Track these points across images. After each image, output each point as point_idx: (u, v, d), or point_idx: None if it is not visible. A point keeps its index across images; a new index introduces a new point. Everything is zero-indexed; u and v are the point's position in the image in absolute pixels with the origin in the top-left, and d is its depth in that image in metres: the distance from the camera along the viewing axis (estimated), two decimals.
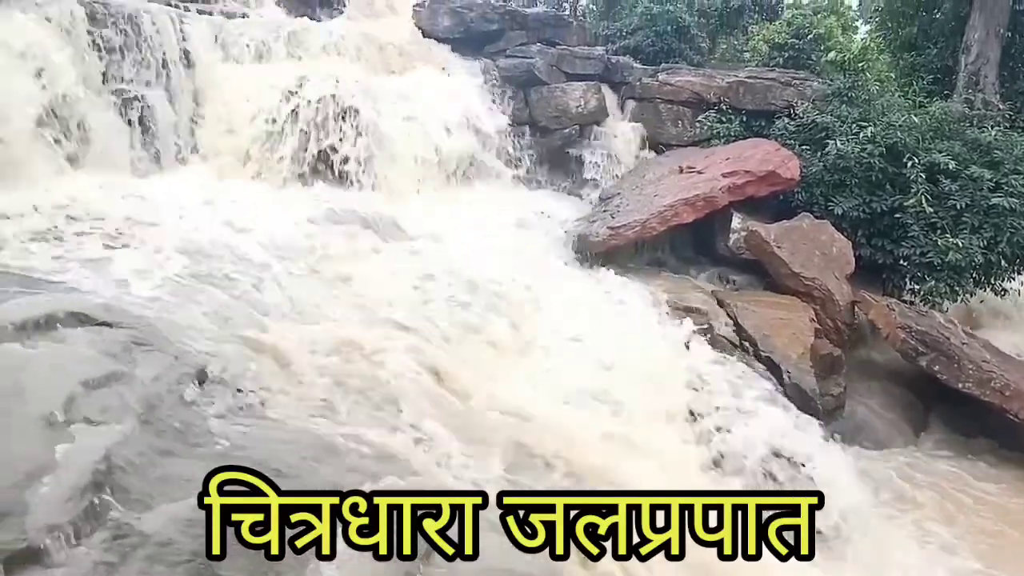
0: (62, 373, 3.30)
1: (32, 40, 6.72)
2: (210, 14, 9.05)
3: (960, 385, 6.72)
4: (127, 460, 2.86)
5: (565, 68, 10.29)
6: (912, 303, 8.09)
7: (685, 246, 8.58)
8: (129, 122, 7.25)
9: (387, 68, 9.51)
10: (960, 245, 7.87)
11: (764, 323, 6.82)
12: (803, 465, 5.08)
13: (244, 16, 9.57)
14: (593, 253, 7.82)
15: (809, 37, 10.96)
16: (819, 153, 8.83)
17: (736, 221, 8.08)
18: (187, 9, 8.91)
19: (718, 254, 8.31)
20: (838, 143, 8.56)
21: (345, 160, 8.02)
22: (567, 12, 13.66)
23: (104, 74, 7.30)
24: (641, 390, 5.33)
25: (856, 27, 15.67)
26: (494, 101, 9.78)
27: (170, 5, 8.81)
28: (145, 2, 8.58)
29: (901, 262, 8.37)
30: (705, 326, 6.61)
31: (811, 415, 5.90)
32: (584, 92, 10.04)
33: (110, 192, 6.26)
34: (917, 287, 8.33)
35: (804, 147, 9.00)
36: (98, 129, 6.96)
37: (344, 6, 11.72)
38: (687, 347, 6.38)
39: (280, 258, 5.55)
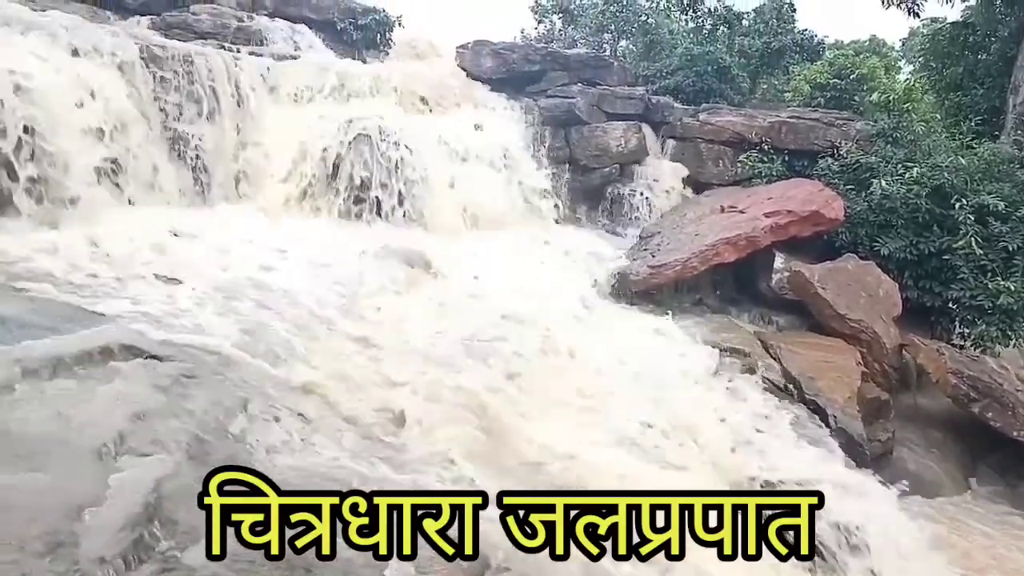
0: (115, 405, 3.37)
1: (92, 79, 7.00)
2: (261, 56, 9.35)
3: (1015, 433, 6.49)
4: (175, 492, 2.89)
5: (606, 108, 10.37)
6: (962, 347, 7.88)
7: (726, 285, 8.49)
8: (181, 159, 7.49)
9: (431, 108, 9.69)
10: (1012, 288, 7.68)
11: (809, 365, 6.69)
12: (856, 530, 4.89)
13: (293, 58, 9.86)
14: (633, 291, 7.79)
15: (851, 77, 10.92)
16: (863, 193, 8.73)
17: (779, 261, 7.99)
18: (239, 51, 9.22)
19: (760, 294, 8.22)
20: (883, 183, 8.46)
21: (387, 197, 8.14)
22: (607, 53, 13.79)
23: (159, 112, 7.56)
24: (683, 434, 5.24)
25: (899, 67, 15.59)
26: (535, 140, 9.90)
27: (223, 48, 9.15)
28: (200, 45, 8.94)
29: (950, 305, 8.18)
30: (748, 367, 6.51)
31: (858, 461, 5.76)
32: (625, 131, 10.10)
33: (161, 227, 6.42)
34: (967, 331, 8.12)
35: (848, 187, 8.91)
36: (152, 165, 7.19)
37: (389, 48, 12.01)
38: (729, 388, 6.29)
39: (323, 293, 5.63)
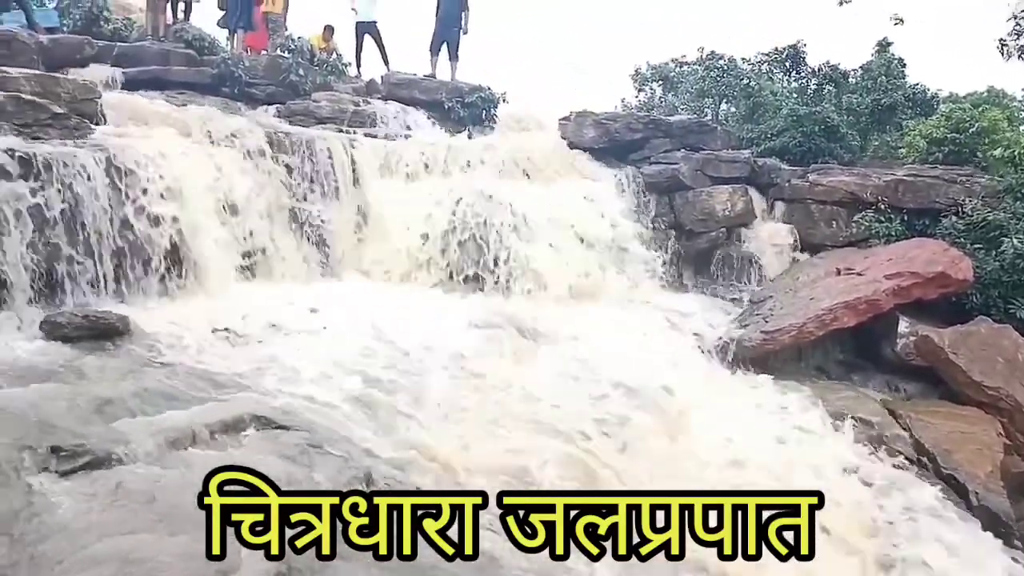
0: None
1: (224, 164, 7.59)
2: (375, 137, 9.88)
3: None
4: (304, 564, 2.97)
5: (710, 172, 10.30)
6: None
7: (846, 351, 8.11)
8: (304, 236, 7.93)
9: (535, 179, 9.91)
10: None
11: (944, 437, 6.25)
12: None
13: (405, 137, 10.36)
14: (746, 358, 7.56)
15: (971, 131, 10.42)
16: (994, 253, 8.22)
17: (903, 325, 7.59)
18: (356, 133, 9.78)
19: (884, 360, 7.79)
20: (1015, 241, 7.96)
21: (494, 268, 8.32)
22: (709, 118, 13.77)
23: (284, 193, 8.08)
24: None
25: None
26: (639, 207, 9.91)
27: (341, 131, 9.73)
28: (320, 129, 9.55)
29: None
30: (876, 439, 6.15)
31: (1004, 541, 5.28)
32: (730, 195, 9.98)
33: (284, 300, 6.79)
34: None
35: (976, 246, 8.42)
36: (276, 243, 7.65)
37: (495, 123, 12.43)
38: (855, 460, 5.95)
39: (437, 363, 5.76)
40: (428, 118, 11.82)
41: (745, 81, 13.77)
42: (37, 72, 7.36)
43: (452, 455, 4.42)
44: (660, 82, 16.67)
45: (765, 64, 14.95)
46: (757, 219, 10.19)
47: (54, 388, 4.05)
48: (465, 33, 13.19)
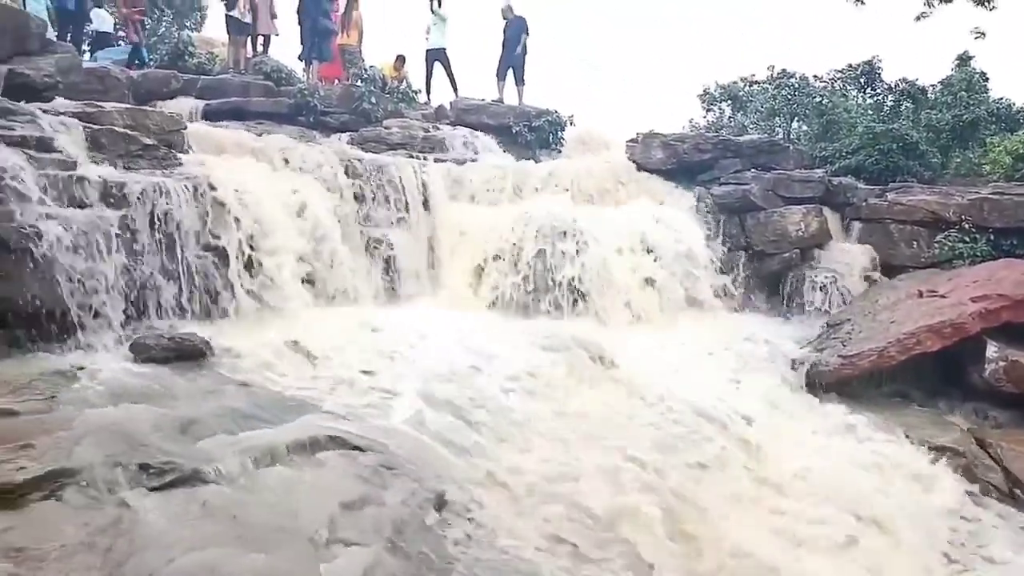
0: (324, 495, 3.62)
1: (300, 191, 7.84)
2: (444, 161, 10.06)
3: None
4: None
5: (782, 192, 10.10)
6: None
7: (928, 377, 7.76)
8: (376, 259, 8.10)
9: (603, 202, 9.92)
10: None
11: None
12: None
13: (473, 161, 10.52)
14: (823, 383, 7.33)
15: None
16: None
17: (992, 350, 7.23)
18: (425, 158, 9.98)
19: (970, 386, 7.43)
20: None
21: (563, 290, 8.32)
22: (780, 137, 13.52)
23: (356, 217, 8.28)
24: (894, 541, 4.77)
25: None
26: (709, 228, 9.78)
27: (412, 156, 9.95)
28: (392, 155, 9.78)
29: None
30: (964, 469, 5.87)
31: None
32: (804, 215, 9.75)
33: (357, 323, 6.93)
34: None
35: None
36: (350, 267, 7.83)
37: (562, 146, 12.51)
38: (940, 491, 5.68)
39: (509, 386, 5.78)
40: (496, 142, 11.99)
41: (818, 99, 13.47)
42: (128, 106, 7.79)
43: (523, 481, 4.41)
44: (729, 101, 16.46)
45: (838, 81, 14.62)
46: (832, 240, 9.91)
47: (144, 408, 4.22)
48: (524, 53, 13.43)
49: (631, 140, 11.26)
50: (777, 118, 14.70)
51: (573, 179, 10.08)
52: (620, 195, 10.14)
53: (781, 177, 10.20)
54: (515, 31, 13.44)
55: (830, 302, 9.34)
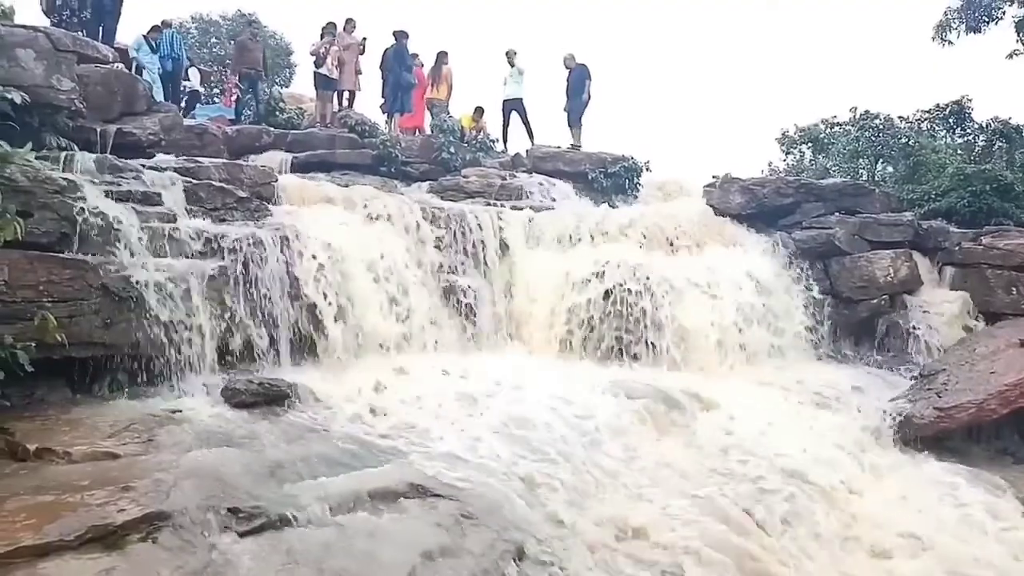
0: (405, 543, 3.65)
1: (382, 239, 8.06)
2: (521, 209, 10.18)
3: None
4: None
5: (868, 236, 9.79)
6: None
7: None
8: (455, 307, 8.22)
9: (682, 247, 9.80)
10: None
11: None
12: None
13: (550, 208, 10.61)
14: (918, 437, 6.97)
15: None
16: None
17: None
18: (503, 206, 10.14)
19: None
20: None
21: (641, 338, 8.23)
22: (865, 179, 13.18)
23: (436, 265, 8.45)
24: None
25: None
26: (792, 274, 9.52)
27: (490, 204, 10.12)
28: (470, 203, 9.98)
29: None
30: None
31: None
32: (892, 260, 9.42)
33: (437, 370, 7.02)
34: None
35: None
36: (429, 312, 7.97)
37: (638, 192, 12.51)
38: None
39: (588, 435, 5.72)
40: (572, 189, 12.09)
41: (904, 140, 13.12)
42: (224, 161, 8.23)
43: (604, 533, 4.35)
44: (809, 144, 16.19)
45: (925, 122, 14.20)
46: (924, 285, 9.53)
47: (234, 452, 4.38)
48: (588, 100, 13.74)
49: (708, 185, 11.15)
50: (861, 160, 14.38)
51: (650, 225, 10.02)
52: (698, 241, 10.00)
53: (867, 221, 9.90)
54: (578, 78, 13.79)
55: (923, 351, 8.94)
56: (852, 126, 14.89)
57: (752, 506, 5.04)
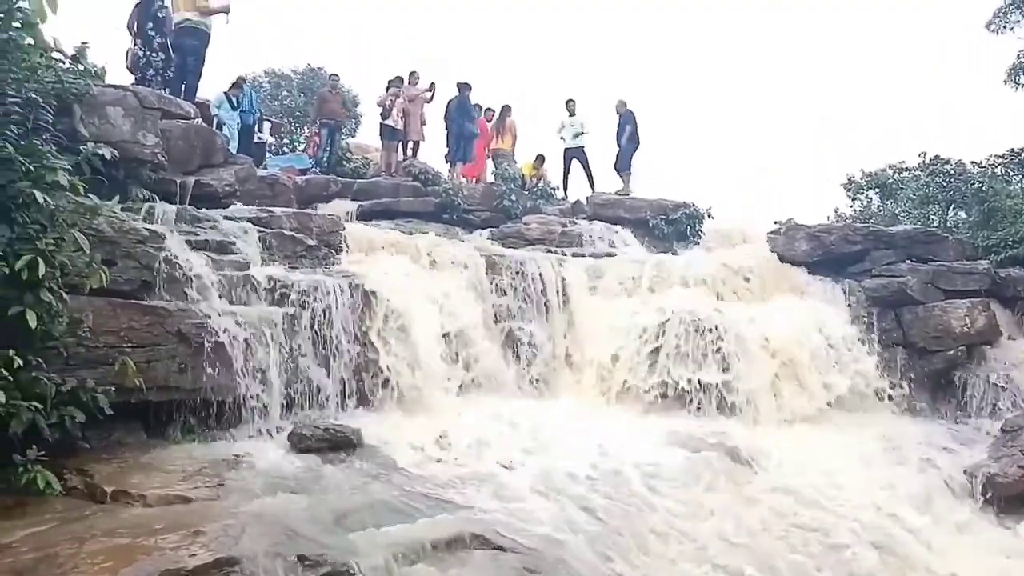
0: None
1: (445, 287, 8.17)
2: (583, 256, 10.21)
3: None
4: None
5: (942, 285, 9.46)
6: None
7: None
8: (515, 354, 8.24)
9: (745, 295, 9.66)
10: None
11: None
12: None
13: (610, 255, 10.61)
14: (1003, 497, 6.62)
15: None
16: None
17: None
18: (564, 253, 10.19)
19: None
20: None
21: (703, 388, 8.07)
22: (936, 225, 12.79)
23: (497, 311, 8.51)
24: None
25: None
26: (861, 324, 9.25)
27: (550, 251, 10.19)
28: (531, 250, 10.06)
29: None
30: None
31: None
32: (969, 310, 9.06)
33: (498, 416, 7.02)
34: None
35: None
36: (490, 359, 8.01)
37: (700, 238, 12.41)
38: None
39: (650, 488, 5.63)
40: (633, 235, 12.08)
41: (977, 185, 12.71)
42: (295, 210, 8.51)
43: None
44: (876, 189, 15.85)
45: (999, 167, 13.76)
46: (1004, 336, 9.13)
47: (300, 498, 4.45)
48: (636, 144, 14.09)
49: (772, 232, 11.00)
50: (931, 206, 13.99)
51: (713, 272, 9.91)
52: (763, 288, 9.83)
53: (941, 269, 9.58)
54: (626, 124, 14.15)
55: (1004, 405, 8.53)
56: (921, 171, 14.52)
57: (822, 565, 4.84)
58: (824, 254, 10.24)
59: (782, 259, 10.51)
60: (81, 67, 6.49)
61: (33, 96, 5.29)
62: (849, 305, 9.55)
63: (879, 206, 15.53)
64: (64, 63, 6.26)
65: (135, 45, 9.54)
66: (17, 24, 5.35)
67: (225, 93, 10.98)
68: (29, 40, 5.39)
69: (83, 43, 6.51)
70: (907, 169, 15.28)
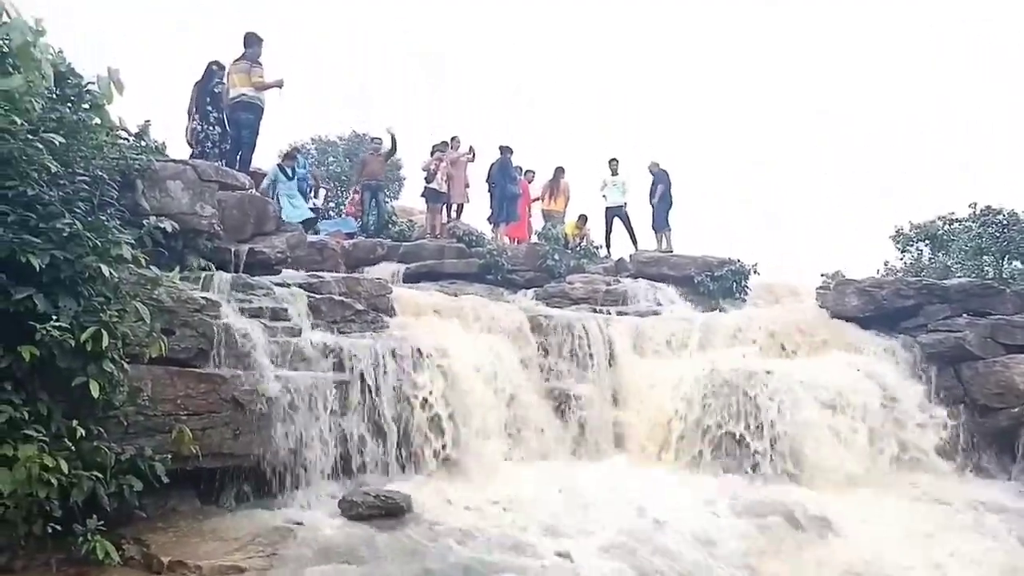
0: None
1: (492, 348, 8.18)
2: (627, 314, 10.17)
3: None
4: None
5: (1002, 339, 9.16)
6: None
7: None
8: (562, 416, 8.17)
9: (796, 352, 9.48)
10: None
11: None
12: None
13: (656, 313, 10.54)
14: None
15: None
16: None
17: None
18: (609, 312, 10.16)
19: None
20: None
21: (756, 448, 7.88)
22: (991, 277, 12.47)
23: (544, 373, 8.48)
24: None
25: None
26: (919, 380, 8.98)
27: (595, 310, 10.17)
28: (576, 309, 10.06)
29: None
30: None
31: None
32: None
33: (548, 480, 6.93)
34: None
35: None
36: (537, 421, 7.95)
37: (746, 295, 12.27)
38: None
39: (707, 554, 5.46)
40: (678, 293, 12.00)
41: None
42: (344, 275, 8.67)
43: None
44: (927, 241, 15.57)
45: None
46: None
47: (353, 569, 4.43)
48: (670, 203, 14.27)
49: (821, 287, 10.84)
50: (985, 257, 13.66)
51: (762, 329, 9.76)
52: (814, 345, 9.64)
53: (1000, 323, 9.29)
54: (660, 183, 14.32)
55: None
56: (973, 222, 14.25)
57: None
58: (876, 309, 10.02)
59: (833, 314, 10.31)
60: (144, 143, 6.80)
61: (100, 173, 5.55)
62: (905, 362, 9.30)
63: (930, 258, 15.23)
64: (128, 140, 6.57)
65: (193, 120, 9.97)
66: (86, 105, 5.67)
67: (279, 166, 11.38)
68: (97, 120, 5.69)
69: (146, 121, 6.85)
70: (957, 220, 15.01)
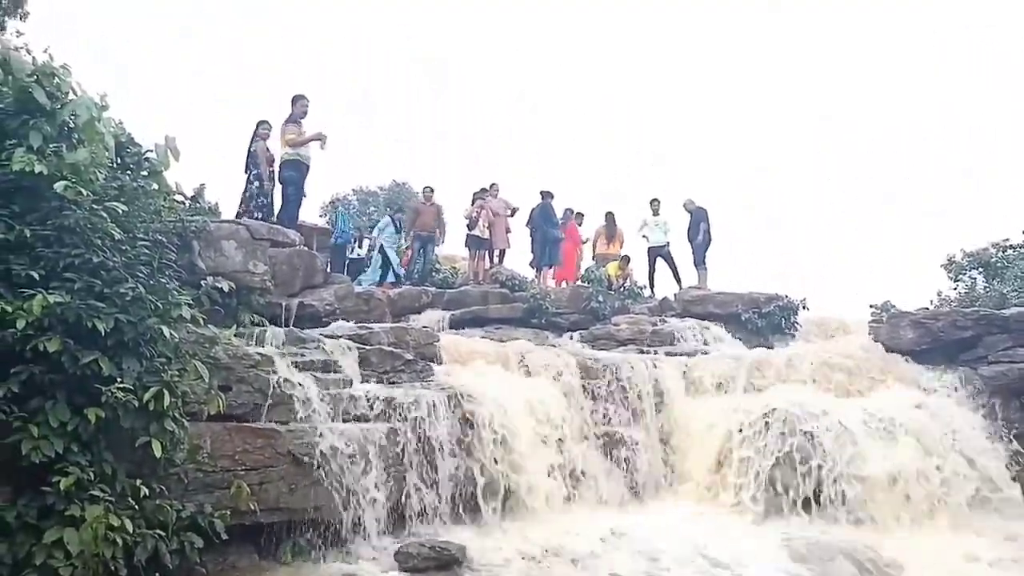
0: None
1: (540, 393, 8.15)
2: (675, 354, 10.05)
3: None
4: None
5: None
6: None
7: None
8: (612, 459, 8.07)
9: (851, 388, 9.25)
10: None
11: None
12: None
13: (704, 352, 10.41)
14: None
15: None
16: None
17: None
18: (655, 352, 10.07)
19: None
20: None
21: (813, 489, 7.65)
22: None
23: (593, 417, 8.41)
24: None
25: None
26: (983, 414, 8.68)
27: (642, 351, 10.09)
28: (622, 351, 9.99)
29: None
30: None
31: None
32: None
33: (602, 526, 6.83)
34: None
35: None
36: (587, 467, 7.86)
37: (795, 330, 12.07)
38: None
39: None
40: (725, 331, 11.86)
41: None
42: (392, 325, 8.79)
43: None
44: (980, 269, 15.16)
45: None
46: None
47: None
48: (708, 240, 14.28)
49: (874, 320, 10.64)
50: None
51: (814, 365, 9.56)
52: (869, 380, 9.39)
53: None
54: (697, 221, 14.35)
55: None
56: None
57: None
58: (933, 341, 9.76)
59: (887, 348, 10.07)
60: (199, 204, 7.05)
61: (159, 237, 5.75)
62: (967, 395, 9.00)
63: (985, 287, 14.80)
64: (184, 203, 6.82)
65: (248, 181, 10.32)
66: (145, 172, 5.91)
67: (391, 216, 11.54)
68: (155, 185, 5.93)
69: (201, 184, 7.10)
70: (1012, 247, 14.62)
